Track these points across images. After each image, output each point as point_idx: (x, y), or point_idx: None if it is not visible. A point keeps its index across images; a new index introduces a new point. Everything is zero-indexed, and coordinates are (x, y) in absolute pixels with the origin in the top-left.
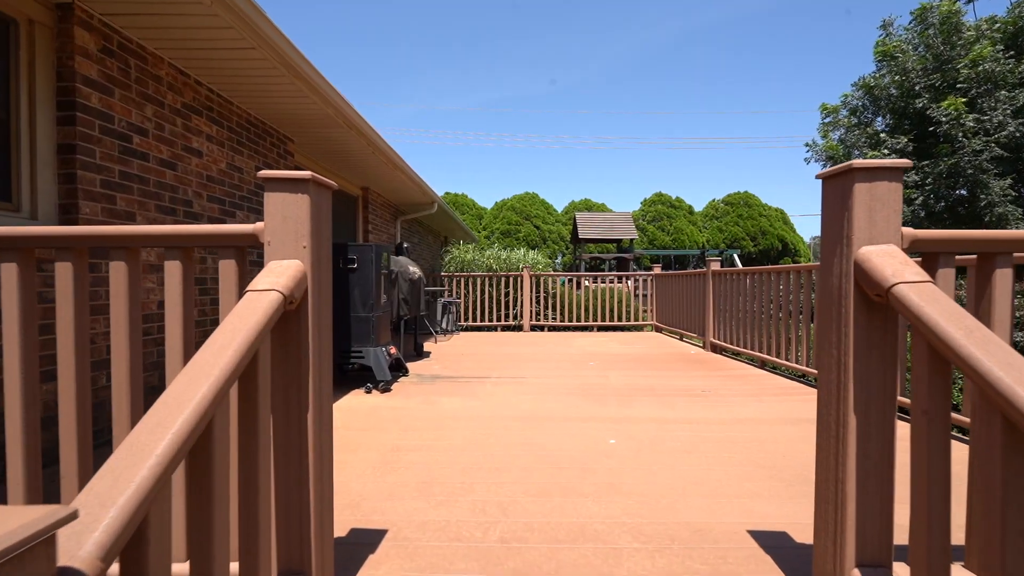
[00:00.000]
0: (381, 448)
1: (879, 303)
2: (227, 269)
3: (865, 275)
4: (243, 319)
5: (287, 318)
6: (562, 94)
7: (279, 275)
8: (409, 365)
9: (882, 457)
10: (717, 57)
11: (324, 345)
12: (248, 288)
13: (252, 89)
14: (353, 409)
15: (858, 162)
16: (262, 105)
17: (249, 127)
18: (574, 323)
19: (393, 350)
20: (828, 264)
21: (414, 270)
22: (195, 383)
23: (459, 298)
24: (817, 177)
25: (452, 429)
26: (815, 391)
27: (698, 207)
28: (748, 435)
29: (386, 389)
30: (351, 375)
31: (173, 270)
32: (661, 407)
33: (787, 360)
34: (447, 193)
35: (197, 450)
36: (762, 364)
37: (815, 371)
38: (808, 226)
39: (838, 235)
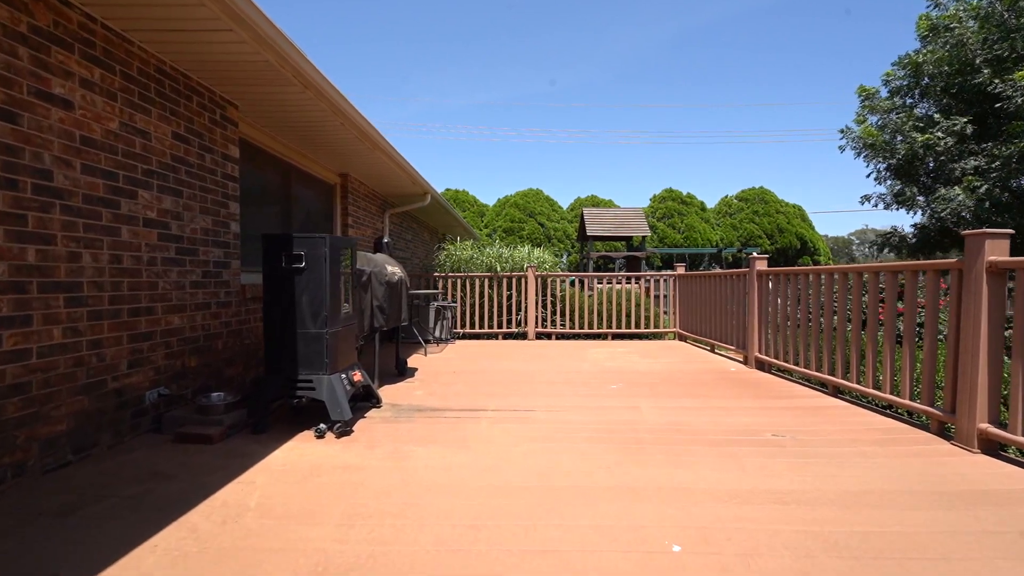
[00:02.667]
0: (299, 564)
1: None
2: None
3: None
4: None
5: None
6: (566, 91)
7: None
8: (386, 389)
9: None
10: (721, 54)
11: None
12: None
13: (155, 20)
14: (285, 471)
15: None
16: (179, 48)
17: (162, 79)
18: (585, 330)
19: (357, 376)
20: None
21: (393, 270)
22: None
23: (455, 302)
24: None
25: (423, 516)
26: (929, 435)
27: (710, 203)
28: (887, 532)
29: (344, 432)
30: (304, 409)
31: None
32: (726, 466)
33: (874, 389)
34: (447, 190)
35: None
36: (835, 391)
37: (912, 403)
38: (828, 224)
39: None
